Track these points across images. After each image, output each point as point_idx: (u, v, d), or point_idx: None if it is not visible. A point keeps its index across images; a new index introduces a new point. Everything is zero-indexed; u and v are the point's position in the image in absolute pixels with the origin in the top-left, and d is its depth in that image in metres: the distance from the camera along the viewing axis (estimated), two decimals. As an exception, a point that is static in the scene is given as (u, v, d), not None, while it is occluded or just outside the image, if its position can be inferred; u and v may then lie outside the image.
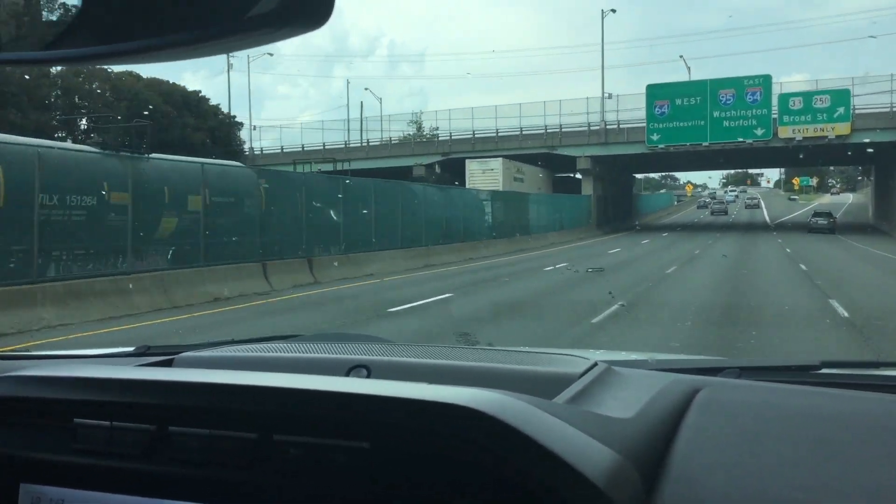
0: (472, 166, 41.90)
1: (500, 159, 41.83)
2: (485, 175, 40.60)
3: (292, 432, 0.93)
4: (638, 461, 0.92)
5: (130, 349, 1.88)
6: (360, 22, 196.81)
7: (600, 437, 0.91)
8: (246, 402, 0.96)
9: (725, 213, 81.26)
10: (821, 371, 1.58)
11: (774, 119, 42.66)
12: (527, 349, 1.90)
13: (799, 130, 42.18)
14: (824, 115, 41.41)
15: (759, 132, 42.79)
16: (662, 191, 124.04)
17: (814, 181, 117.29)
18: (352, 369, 1.34)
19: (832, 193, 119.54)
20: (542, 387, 1.16)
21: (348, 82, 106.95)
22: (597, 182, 48.69)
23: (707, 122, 43.94)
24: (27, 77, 31.30)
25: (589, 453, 0.87)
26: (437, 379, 1.10)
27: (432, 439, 0.88)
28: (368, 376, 1.32)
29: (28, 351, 2.26)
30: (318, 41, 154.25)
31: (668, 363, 1.67)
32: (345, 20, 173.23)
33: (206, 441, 0.95)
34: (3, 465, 1.04)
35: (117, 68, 33.92)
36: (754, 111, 43.03)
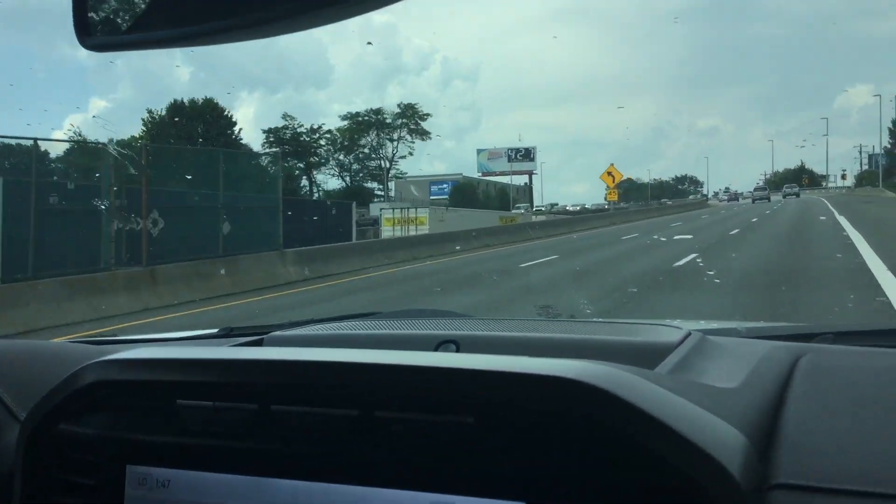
0: None
1: None
2: None
3: (395, 408, 0.91)
4: (750, 432, 0.88)
5: (215, 330, 1.87)
6: (413, 39, 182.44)
7: (710, 408, 0.88)
8: (349, 378, 0.94)
9: (768, 199, 74.98)
10: None
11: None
12: (612, 320, 1.81)
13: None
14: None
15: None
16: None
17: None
18: (440, 345, 1.32)
19: None
20: (640, 358, 1.12)
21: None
22: None
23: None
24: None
25: (703, 425, 0.83)
26: (530, 352, 1.05)
27: (538, 413, 0.84)
28: (457, 351, 1.29)
29: (114, 336, 2.26)
30: (372, 59, 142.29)
31: (759, 330, 1.59)
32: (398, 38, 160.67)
33: (307, 419, 0.94)
34: (110, 447, 1.04)
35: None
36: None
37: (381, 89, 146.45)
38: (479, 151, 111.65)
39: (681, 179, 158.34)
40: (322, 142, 76.19)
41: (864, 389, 1.07)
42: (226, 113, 59.37)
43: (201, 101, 58.29)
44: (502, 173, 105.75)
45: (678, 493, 0.79)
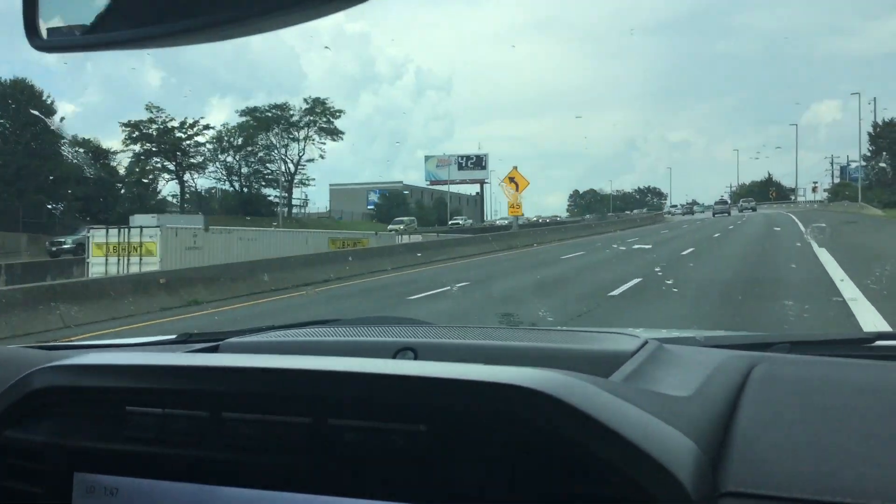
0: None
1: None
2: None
3: (348, 416, 0.90)
4: (701, 440, 0.88)
5: (173, 336, 1.84)
6: (387, 49, 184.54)
7: (662, 416, 0.88)
8: (300, 386, 0.93)
9: (728, 213, 71.32)
10: (875, 344, 1.51)
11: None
12: (572, 328, 1.83)
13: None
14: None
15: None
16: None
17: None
18: (398, 352, 1.31)
19: None
20: (595, 366, 1.12)
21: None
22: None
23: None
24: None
25: (652, 433, 0.84)
26: (486, 360, 1.06)
27: (490, 421, 0.85)
28: (415, 359, 1.28)
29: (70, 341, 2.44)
30: (345, 68, 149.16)
31: (716, 339, 1.58)
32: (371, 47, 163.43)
33: (259, 427, 0.93)
34: (57, 455, 1.03)
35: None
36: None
37: (354, 97, 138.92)
38: (426, 158, 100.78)
39: (644, 192, 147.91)
40: (200, 139, 63.15)
41: (815, 398, 1.06)
42: (44, 97, 46.59)
43: (8, 81, 45.36)
44: (450, 182, 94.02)
45: (629, 501, 0.79)
